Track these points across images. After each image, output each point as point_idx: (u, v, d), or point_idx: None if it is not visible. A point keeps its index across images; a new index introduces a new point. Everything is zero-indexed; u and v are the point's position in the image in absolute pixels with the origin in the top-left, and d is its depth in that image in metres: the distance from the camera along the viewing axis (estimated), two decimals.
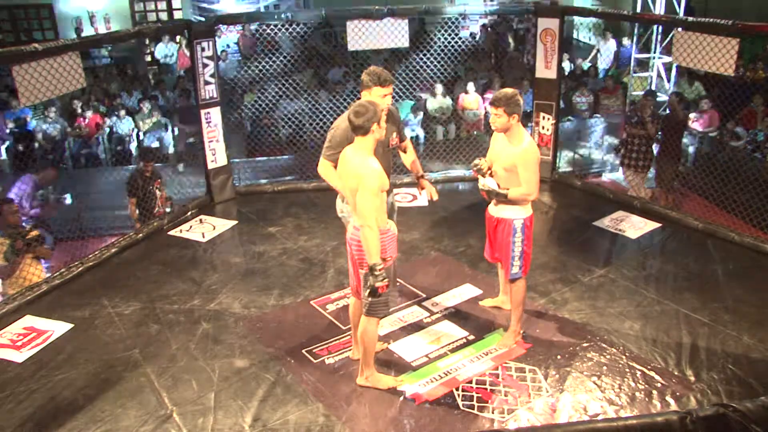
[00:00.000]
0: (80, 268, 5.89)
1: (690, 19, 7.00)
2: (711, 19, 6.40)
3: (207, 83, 7.08)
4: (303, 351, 4.68)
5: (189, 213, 7.04)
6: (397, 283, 4.82)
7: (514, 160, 4.34)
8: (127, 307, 5.32)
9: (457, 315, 5.10)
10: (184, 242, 6.50)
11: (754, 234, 6.27)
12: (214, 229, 6.75)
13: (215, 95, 7.18)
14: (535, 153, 4.39)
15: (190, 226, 6.82)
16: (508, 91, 4.36)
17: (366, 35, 7.20)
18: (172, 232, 6.69)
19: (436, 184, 4.92)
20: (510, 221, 4.48)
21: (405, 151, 4.91)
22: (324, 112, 8.16)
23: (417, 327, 4.96)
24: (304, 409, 4.11)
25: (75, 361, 4.64)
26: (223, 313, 5.23)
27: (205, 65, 7.02)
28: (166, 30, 6.81)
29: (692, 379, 4.35)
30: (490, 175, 4.52)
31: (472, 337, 4.80)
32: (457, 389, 4.25)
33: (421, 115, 8.74)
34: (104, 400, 4.22)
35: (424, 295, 5.38)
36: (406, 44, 7.42)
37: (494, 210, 4.61)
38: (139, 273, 5.90)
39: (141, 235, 6.53)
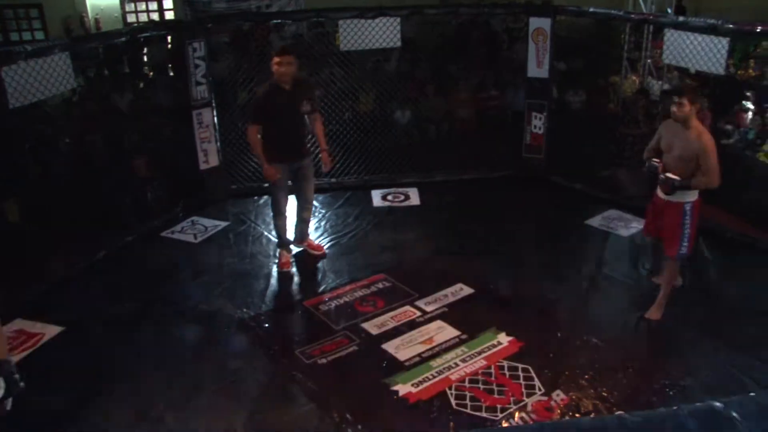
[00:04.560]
0: (71, 271, 5.85)
1: (681, 18, 7.02)
2: (701, 19, 6.43)
3: (198, 84, 7.05)
4: (296, 351, 4.67)
5: (180, 215, 7.00)
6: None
7: (695, 149, 4.54)
8: (118, 310, 5.29)
9: (449, 314, 5.09)
10: (176, 244, 6.46)
11: (747, 231, 6.28)
12: (206, 230, 6.72)
13: (207, 96, 7.16)
14: (713, 142, 4.60)
15: (182, 228, 6.78)
16: (692, 82, 4.52)
17: (359, 35, 7.19)
18: (163, 234, 6.64)
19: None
20: (680, 204, 4.69)
21: (316, 121, 5.67)
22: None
23: (409, 326, 4.94)
24: (297, 410, 4.10)
25: (66, 365, 4.60)
26: (215, 314, 5.21)
27: (197, 66, 7.00)
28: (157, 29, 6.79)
29: (686, 376, 4.36)
30: (663, 169, 4.74)
31: (464, 337, 4.79)
32: (450, 388, 4.24)
33: None
34: (96, 403, 4.19)
35: (417, 295, 5.36)
36: (399, 44, 7.41)
37: (664, 195, 4.80)
38: (131, 275, 5.86)
39: (133, 237, 6.49)
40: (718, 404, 1.56)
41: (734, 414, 1.52)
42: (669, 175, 4.67)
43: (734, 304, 5.19)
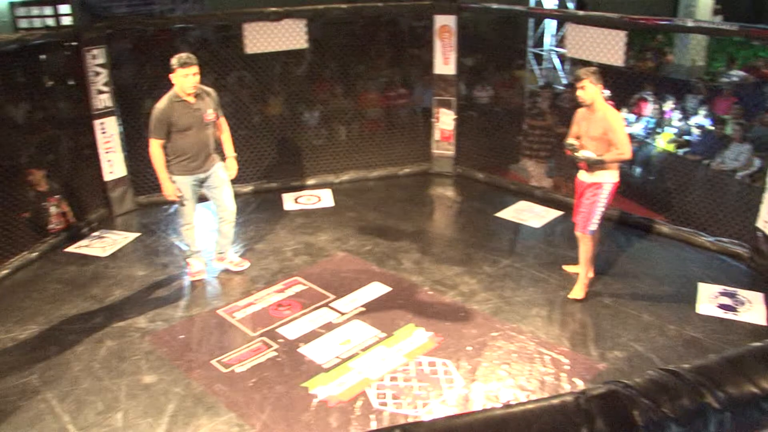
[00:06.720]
0: None
1: (581, 13, 7.27)
2: (600, 13, 6.72)
3: (100, 92, 6.81)
4: (212, 361, 4.58)
5: (87, 228, 6.73)
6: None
7: (604, 127, 4.84)
8: (22, 331, 5.03)
9: (366, 314, 5.10)
10: (83, 259, 6.21)
11: (649, 215, 6.56)
12: (115, 243, 6.49)
13: (110, 104, 6.91)
14: (618, 116, 4.94)
15: (89, 242, 6.52)
16: (590, 67, 4.98)
17: (264, 38, 7.10)
18: (69, 249, 6.37)
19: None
20: (601, 183, 4.97)
21: (220, 129, 5.57)
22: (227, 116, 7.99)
23: (327, 328, 4.93)
24: (216, 421, 4.02)
25: None
26: (128, 329, 5.04)
27: (97, 73, 6.76)
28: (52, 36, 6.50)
29: (598, 359, 4.50)
30: (581, 146, 5.03)
31: (383, 335, 4.81)
32: (370, 387, 4.25)
33: None
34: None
35: (333, 296, 5.36)
36: (306, 45, 7.36)
37: (586, 176, 5.07)
38: (34, 294, 5.59)
39: (35, 254, 6.19)
40: (617, 384, 1.60)
41: (632, 392, 1.57)
42: (584, 152, 4.95)
43: (640, 286, 5.42)
